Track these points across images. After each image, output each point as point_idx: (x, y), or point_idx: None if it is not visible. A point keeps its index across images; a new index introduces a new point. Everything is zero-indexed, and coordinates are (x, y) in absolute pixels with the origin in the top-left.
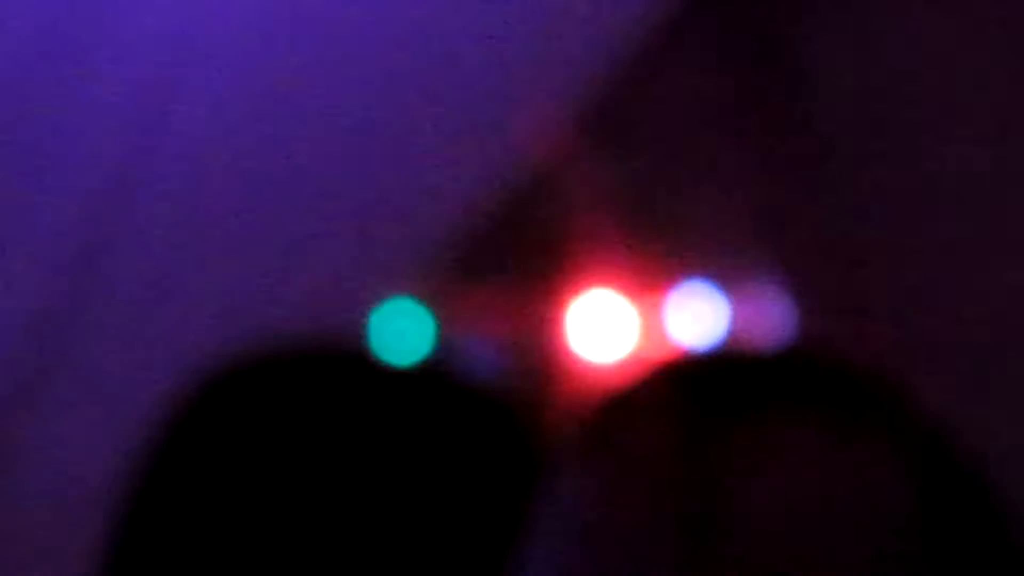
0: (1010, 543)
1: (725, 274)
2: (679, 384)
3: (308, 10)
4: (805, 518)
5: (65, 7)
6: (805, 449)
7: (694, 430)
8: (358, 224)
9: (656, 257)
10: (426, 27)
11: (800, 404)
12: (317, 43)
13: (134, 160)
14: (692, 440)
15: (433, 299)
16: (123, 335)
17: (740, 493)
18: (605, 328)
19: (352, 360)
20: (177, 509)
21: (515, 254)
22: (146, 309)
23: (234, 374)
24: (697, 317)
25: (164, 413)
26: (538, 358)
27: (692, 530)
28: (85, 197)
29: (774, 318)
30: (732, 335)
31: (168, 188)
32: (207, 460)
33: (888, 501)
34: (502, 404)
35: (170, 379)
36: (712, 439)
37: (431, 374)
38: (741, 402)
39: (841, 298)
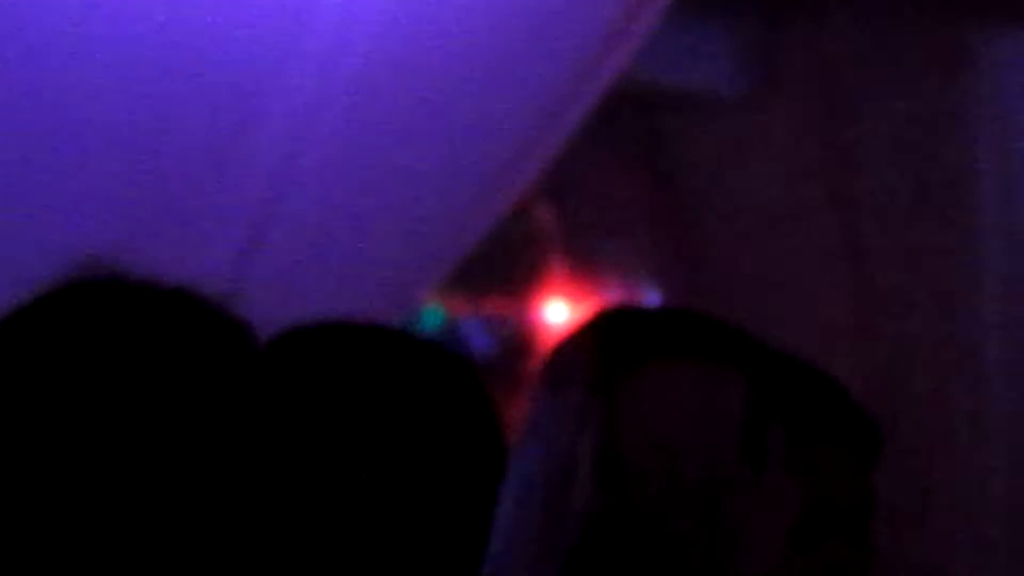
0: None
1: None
2: (592, 337)
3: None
4: (677, 438)
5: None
6: (677, 385)
7: (598, 375)
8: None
9: (588, 272)
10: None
11: (676, 352)
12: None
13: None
14: (596, 384)
15: (444, 296)
16: None
17: (628, 425)
18: (557, 317)
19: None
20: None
21: (498, 268)
22: None
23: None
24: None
25: None
26: (515, 335)
27: (600, 457)
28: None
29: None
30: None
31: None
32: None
33: (737, 415)
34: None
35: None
36: (609, 381)
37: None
38: (633, 351)
39: (704, 286)
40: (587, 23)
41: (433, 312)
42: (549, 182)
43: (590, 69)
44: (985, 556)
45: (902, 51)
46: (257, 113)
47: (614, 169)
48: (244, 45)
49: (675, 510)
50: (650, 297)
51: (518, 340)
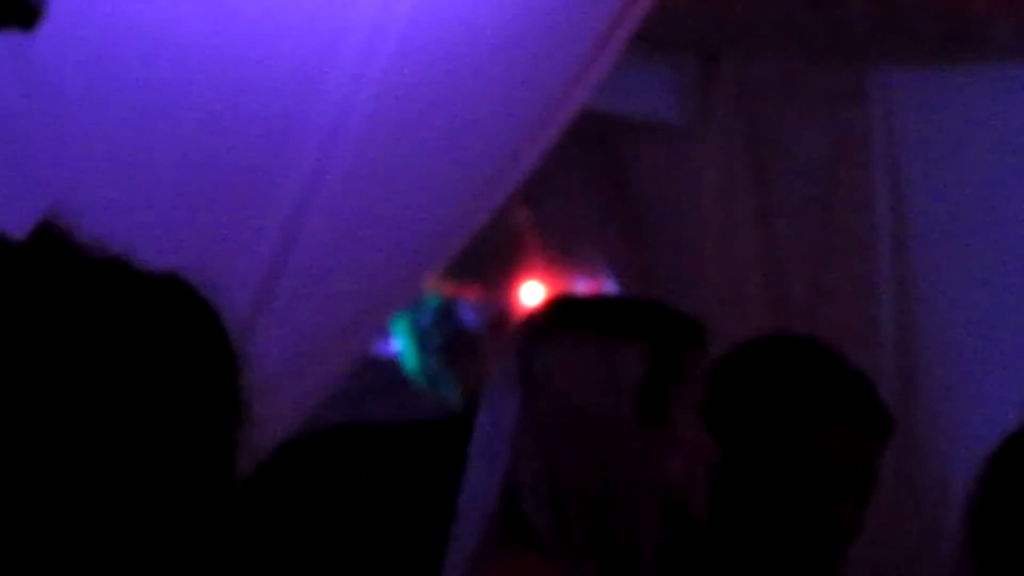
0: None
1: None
2: (531, 318)
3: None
4: (579, 397)
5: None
6: (580, 352)
7: (519, 346)
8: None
9: (557, 263)
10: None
11: (580, 324)
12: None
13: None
14: (518, 354)
15: (440, 282)
16: None
17: (539, 388)
18: (531, 298)
19: None
20: None
21: (484, 260)
22: None
23: None
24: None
25: None
26: (497, 313)
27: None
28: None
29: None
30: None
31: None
32: None
33: (636, 377)
34: None
35: None
36: (526, 350)
37: None
38: (544, 325)
39: (654, 279)
40: (561, 64)
41: (432, 296)
42: (527, 191)
43: (562, 100)
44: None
45: (813, 86)
46: (291, 135)
47: (579, 181)
48: (282, 79)
49: (581, 464)
50: (608, 285)
51: (499, 317)
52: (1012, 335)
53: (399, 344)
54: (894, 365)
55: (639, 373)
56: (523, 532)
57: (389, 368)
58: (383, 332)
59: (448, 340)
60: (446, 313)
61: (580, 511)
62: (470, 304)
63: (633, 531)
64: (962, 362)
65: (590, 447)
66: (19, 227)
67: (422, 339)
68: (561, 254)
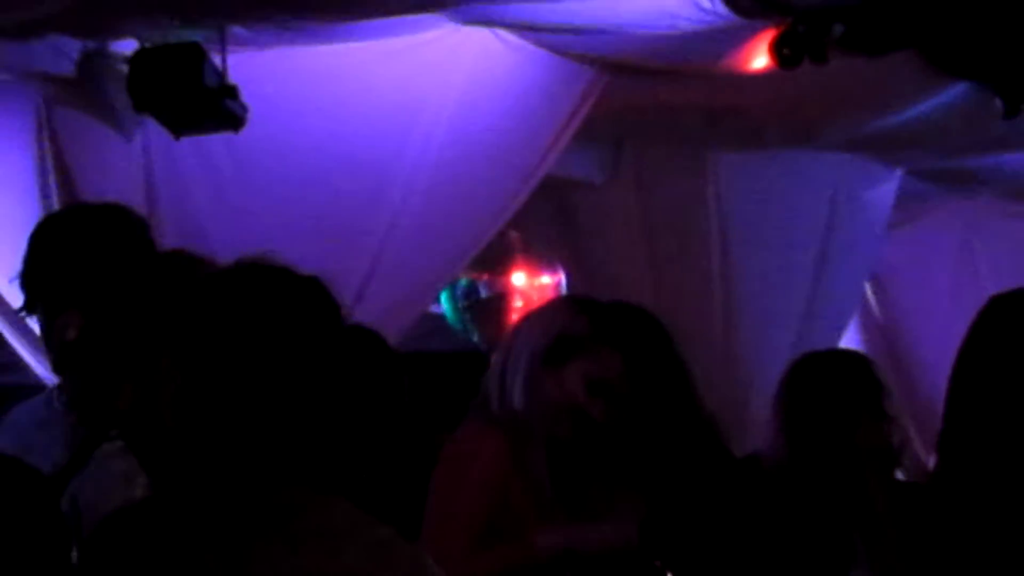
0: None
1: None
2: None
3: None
4: (521, 340)
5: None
6: (536, 312)
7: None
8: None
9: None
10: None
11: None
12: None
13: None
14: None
15: (466, 271)
16: None
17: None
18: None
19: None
20: None
21: (491, 259)
22: None
23: None
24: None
25: None
26: (499, 289)
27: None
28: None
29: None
30: None
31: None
32: None
33: (557, 330)
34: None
35: None
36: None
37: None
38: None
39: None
40: (537, 148)
41: (463, 278)
42: (515, 219)
43: (536, 168)
44: None
45: (678, 161)
46: (382, 188)
47: (544, 214)
48: (375, 157)
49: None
50: (560, 276)
51: (500, 292)
52: (781, 300)
53: (444, 306)
54: (721, 315)
55: (560, 332)
56: (490, 417)
57: (438, 319)
58: (435, 299)
59: (471, 304)
60: (470, 288)
61: (518, 398)
62: (484, 283)
63: (542, 415)
64: (755, 311)
65: (526, 370)
66: (230, 253)
67: (456, 303)
68: (534, 257)
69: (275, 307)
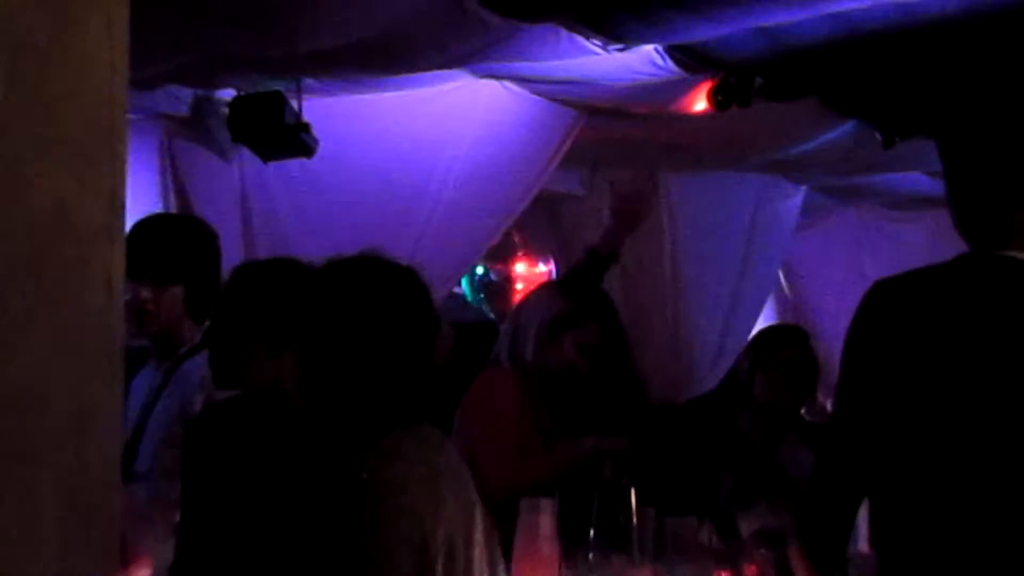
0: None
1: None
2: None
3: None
4: (527, 317)
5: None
6: (535, 295)
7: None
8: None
9: (532, 254)
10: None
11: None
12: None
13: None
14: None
15: (481, 261)
16: None
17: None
18: (521, 271)
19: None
20: None
21: (499, 251)
22: None
23: None
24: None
25: None
26: (505, 275)
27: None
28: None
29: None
30: None
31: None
32: None
33: (552, 313)
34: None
35: None
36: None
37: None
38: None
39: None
40: (535, 168)
41: (479, 266)
42: (518, 222)
43: (534, 183)
44: None
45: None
46: (418, 196)
47: (540, 219)
48: (413, 174)
49: (529, 342)
50: (552, 265)
51: (506, 277)
52: (715, 283)
53: (464, 288)
54: (671, 291)
55: (555, 313)
56: (503, 369)
57: (461, 298)
58: (458, 282)
59: (486, 286)
60: (484, 275)
61: (528, 353)
62: (494, 271)
63: (549, 376)
64: (696, 290)
65: (534, 339)
66: (303, 249)
67: (474, 285)
68: (531, 251)
69: (391, 291)
